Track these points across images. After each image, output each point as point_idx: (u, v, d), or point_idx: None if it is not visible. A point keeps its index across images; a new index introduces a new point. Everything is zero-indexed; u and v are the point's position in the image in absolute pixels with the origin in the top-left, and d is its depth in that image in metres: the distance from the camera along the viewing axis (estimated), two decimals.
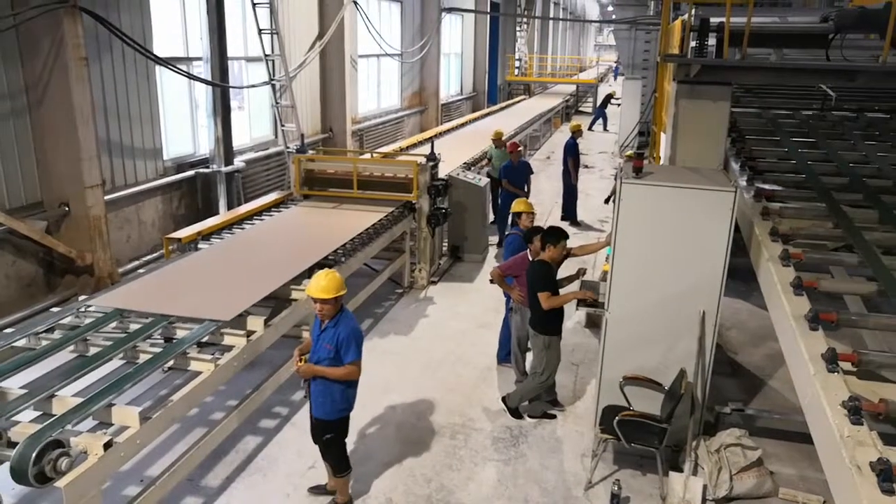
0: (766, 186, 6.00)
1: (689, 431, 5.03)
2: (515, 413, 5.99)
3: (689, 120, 6.90)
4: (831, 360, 3.54)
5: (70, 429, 3.79)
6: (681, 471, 4.92)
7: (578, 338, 7.60)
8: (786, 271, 4.49)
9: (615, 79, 42.55)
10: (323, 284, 4.36)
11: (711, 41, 6.93)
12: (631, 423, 4.93)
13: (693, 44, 7.24)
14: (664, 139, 8.53)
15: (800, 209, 5.54)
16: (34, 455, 3.43)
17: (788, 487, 5.01)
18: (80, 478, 3.54)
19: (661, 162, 8.27)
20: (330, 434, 4.64)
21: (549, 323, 5.73)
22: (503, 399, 6.07)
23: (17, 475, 3.47)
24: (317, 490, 4.99)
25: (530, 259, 5.93)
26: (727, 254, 4.87)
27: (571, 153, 12.41)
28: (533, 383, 5.89)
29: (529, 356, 6.23)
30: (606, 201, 12.04)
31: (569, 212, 12.56)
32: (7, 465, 3.46)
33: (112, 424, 4.02)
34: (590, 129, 24.79)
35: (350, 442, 5.55)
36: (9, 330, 5.02)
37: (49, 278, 7.37)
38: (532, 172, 11.12)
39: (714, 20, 6.72)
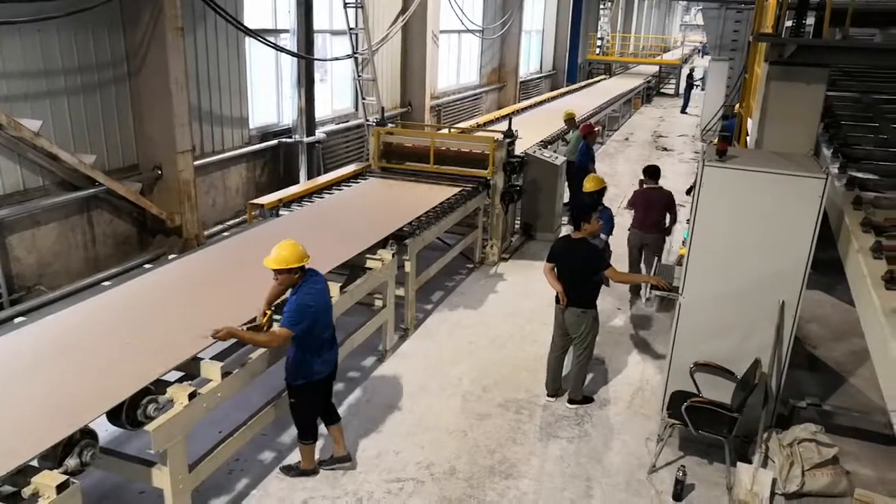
0: (860, 175, 5.71)
1: (761, 423, 4.91)
2: (586, 400, 5.95)
3: (780, 103, 6.64)
4: None
5: (160, 378, 4.05)
6: (749, 462, 4.82)
7: (649, 321, 7.50)
8: (877, 264, 4.28)
9: (701, 56, 40.99)
10: (271, 255, 4.33)
11: (810, 20, 6.61)
12: (700, 409, 4.84)
13: (789, 23, 6.92)
14: (751, 123, 8.22)
15: None
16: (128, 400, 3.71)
17: (866, 489, 4.82)
18: (166, 424, 3.79)
19: (748, 146, 7.99)
20: (292, 399, 4.68)
21: (595, 297, 5.77)
22: (569, 402, 5.92)
23: (112, 417, 3.76)
24: (288, 470, 4.96)
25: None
26: (813, 244, 4.69)
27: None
28: (581, 363, 5.82)
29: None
30: (688, 192, 11.71)
31: None
32: None
33: (197, 377, 4.26)
34: (682, 111, 24.14)
35: (418, 411, 5.72)
36: (106, 283, 5.35)
37: (141, 237, 7.81)
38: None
39: None
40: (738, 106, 12.56)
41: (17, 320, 4.71)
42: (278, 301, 4.65)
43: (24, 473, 3.19)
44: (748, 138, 8.64)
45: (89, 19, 6.76)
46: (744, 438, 5.11)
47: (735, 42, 16.68)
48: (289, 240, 4.42)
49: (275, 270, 4.36)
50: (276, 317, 4.59)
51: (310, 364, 4.54)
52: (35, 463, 3.30)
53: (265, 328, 4.48)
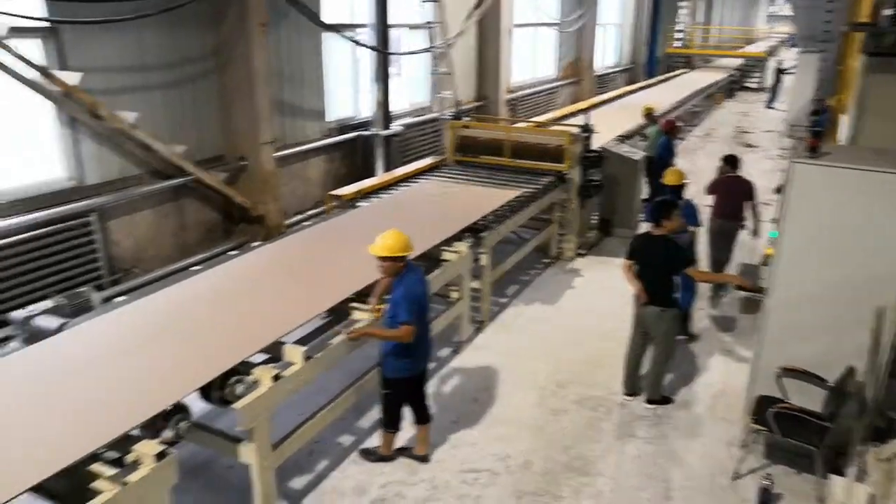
0: None
1: (856, 434, 4.67)
2: (665, 400, 5.82)
3: (879, 97, 6.34)
4: None
5: (246, 360, 4.20)
6: (841, 475, 4.59)
7: (731, 322, 7.26)
8: None
9: (789, 48, 39.27)
10: (377, 243, 4.39)
11: None
12: (788, 416, 4.64)
13: (888, 11, 6.60)
14: (845, 119, 7.85)
15: None
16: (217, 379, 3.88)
17: None
18: (252, 403, 3.94)
19: (840, 142, 7.63)
20: (387, 390, 4.73)
21: (673, 294, 5.60)
22: (647, 402, 5.80)
23: (202, 394, 3.94)
24: (367, 454, 5.09)
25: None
26: None
27: None
28: (660, 363, 5.68)
29: None
30: (777, 191, 11.28)
31: None
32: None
33: (280, 360, 4.40)
34: (768, 106, 23.14)
35: (494, 403, 5.74)
36: (195, 268, 5.59)
37: (227, 225, 8.12)
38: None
39: None
40: (830, 100, 11.99)
41: (117, 300, 4.99)
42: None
43: (126, 442, 3.39)
44: (841, 134, 8.25)
45: (180, 16, 7.05)
46: (835, 450, 4.87)
47: (826, 33, 15.88)
48: (394, 229, 4.49)
49: (380, 258, 4.43)
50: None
51: (408, 357, 4.60)
52: (136, 433, 3.49)
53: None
